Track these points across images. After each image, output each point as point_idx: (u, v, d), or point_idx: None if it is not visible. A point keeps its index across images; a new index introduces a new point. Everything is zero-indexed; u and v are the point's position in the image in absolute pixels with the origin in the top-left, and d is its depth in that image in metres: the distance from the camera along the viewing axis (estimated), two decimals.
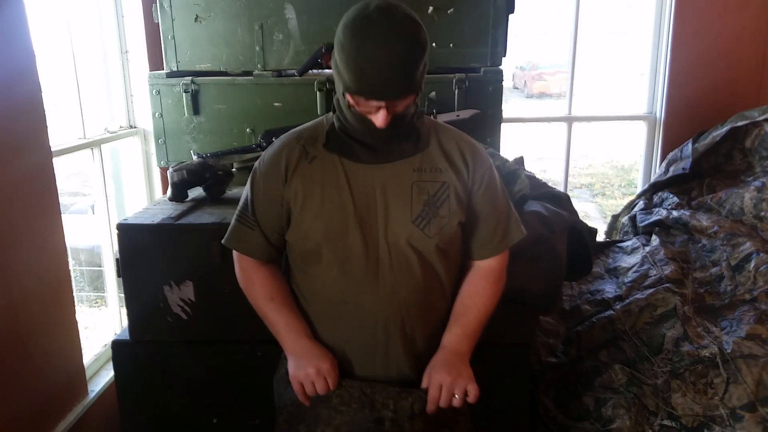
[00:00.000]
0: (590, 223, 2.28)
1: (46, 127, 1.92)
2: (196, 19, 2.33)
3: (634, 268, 2.47)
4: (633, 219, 2.86)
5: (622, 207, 3.16)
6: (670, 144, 3.10)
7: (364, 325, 1.36)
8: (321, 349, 1.36)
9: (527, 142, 7.26)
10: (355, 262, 1.32)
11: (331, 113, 1.36)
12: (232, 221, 1.44)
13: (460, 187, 1.34)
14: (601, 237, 3.02)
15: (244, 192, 1.42)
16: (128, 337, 1.99)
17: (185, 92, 2.34)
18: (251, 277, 1.44)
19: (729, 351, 1.94)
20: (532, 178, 2.10)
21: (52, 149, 1.99)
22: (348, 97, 1.23)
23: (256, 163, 1.41)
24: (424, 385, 1.34)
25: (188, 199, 2.12)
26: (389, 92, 1.19)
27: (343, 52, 1.18)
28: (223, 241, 1.45)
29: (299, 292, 1.43)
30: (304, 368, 1.32)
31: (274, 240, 1.40)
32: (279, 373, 1.50)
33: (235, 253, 1.46)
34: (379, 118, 1.23)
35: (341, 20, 1.21)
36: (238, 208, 1.43)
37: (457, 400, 1.32)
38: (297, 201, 1.33)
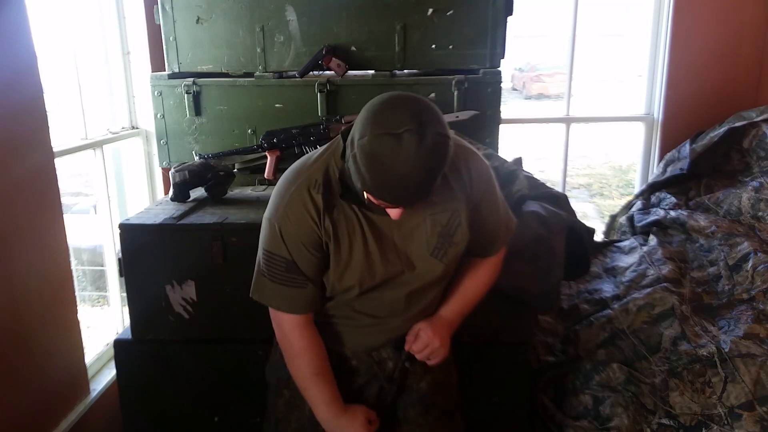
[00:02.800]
0: (588, 223, 2.29)
1: (48, 127, 1.93)
2: (197, 20, 2.34)
3: (632, 268, 2.48)
4: (631, 219, 2.87)
5: (620, 207, 3.17)
6: (668, 145, 3.11)
7: (369, 335, 1.45)
8: (354, 415, 1.41)
9: (526, 142, 7.28)
10: (377, 297, 1.38)
11: (336, 158, 1.29)
12: (268, 282, 1.35)
13: (466, 206, 1.35)
14: (599, 237, 3.03)
15: (266, 252, 1.33)
16: (130, 337, 2.01)
17: (187, 93, 2.36)
18: (303, 346, 1.39)
19: (727, 350, 1.95)
20: (530, 179, 2.11)
21: (54, 150, 2.00)
22: (365, 192, 1.18)
23: (275, 223, 1.30)
24: (411, 335, 1.42)
25: (190, 199, 2.13)
26: (409, 203, 1.18)
27: (366, 158, 1.10)
28: (272, 306, 1.38)
29: None
30: None
31: (321, 283, 1.38)
32: (272, 359, 1.54)
33: (274, 311, 1.39)
34: (395, 213, 1.22)
35: (366, 114, 1.12)
36: (267, 269, 1.34)
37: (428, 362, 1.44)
38: (330, 244, 1.31)
